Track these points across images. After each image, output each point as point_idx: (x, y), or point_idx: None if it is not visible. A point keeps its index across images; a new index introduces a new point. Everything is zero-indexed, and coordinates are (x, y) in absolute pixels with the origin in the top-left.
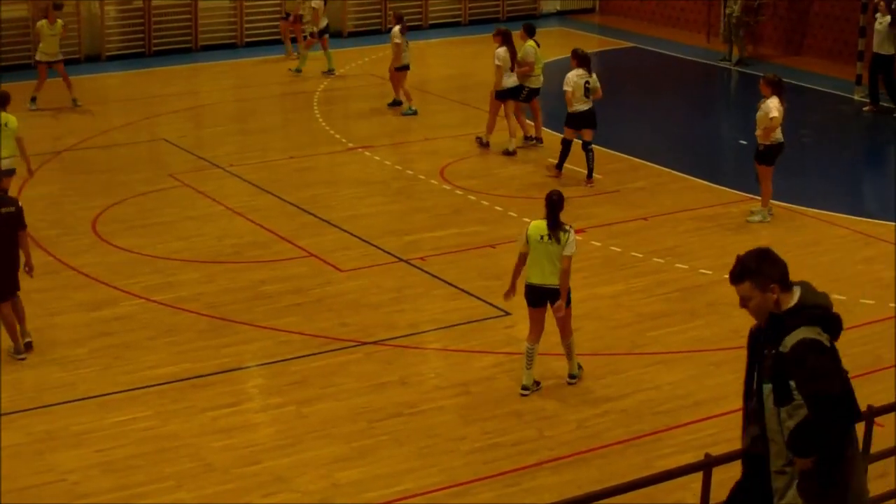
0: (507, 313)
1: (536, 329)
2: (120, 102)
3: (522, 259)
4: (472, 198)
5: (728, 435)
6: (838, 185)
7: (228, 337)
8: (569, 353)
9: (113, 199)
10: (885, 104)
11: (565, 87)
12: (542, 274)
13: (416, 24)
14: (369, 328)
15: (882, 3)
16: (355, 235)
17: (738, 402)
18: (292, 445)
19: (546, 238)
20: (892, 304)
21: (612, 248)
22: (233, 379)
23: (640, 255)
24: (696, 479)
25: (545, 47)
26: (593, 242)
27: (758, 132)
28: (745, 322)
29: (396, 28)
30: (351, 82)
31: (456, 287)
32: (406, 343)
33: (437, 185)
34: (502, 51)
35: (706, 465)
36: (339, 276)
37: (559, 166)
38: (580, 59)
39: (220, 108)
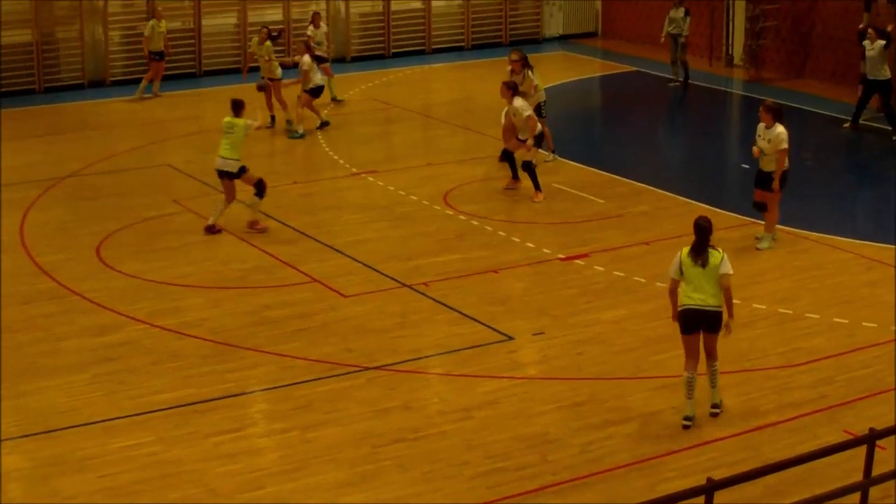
0: (510, 338)
1: (693, 356)
2: (125, 128)
3: (676, 285)
4: (476, 223)
5: (730, 459)
6: (841, 209)
7: (232, 362)
8: (713, 380)
9: (118, 225)
10: (864, 123)
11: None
12: (698, 297)
13: (420, 48)
14: (373, 353)
15: (872, 30)
16: (359, 261)
17: (742, 426)
18: (296, 470)
19: (699, 262)
20: (894, 328)
21: (616, 272)
22: (237, 404)
23: (644, 280)
24: (699, 502)
25: (549, 72)
26: (596, 267)
27: (768, 163)
28: (749, 346)
29: (305, 57)
30: (354, 107)
31: (459, 312)
32: (409, 368)
33: (441, 210)
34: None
35: (709, 489)
36: (343, 301)
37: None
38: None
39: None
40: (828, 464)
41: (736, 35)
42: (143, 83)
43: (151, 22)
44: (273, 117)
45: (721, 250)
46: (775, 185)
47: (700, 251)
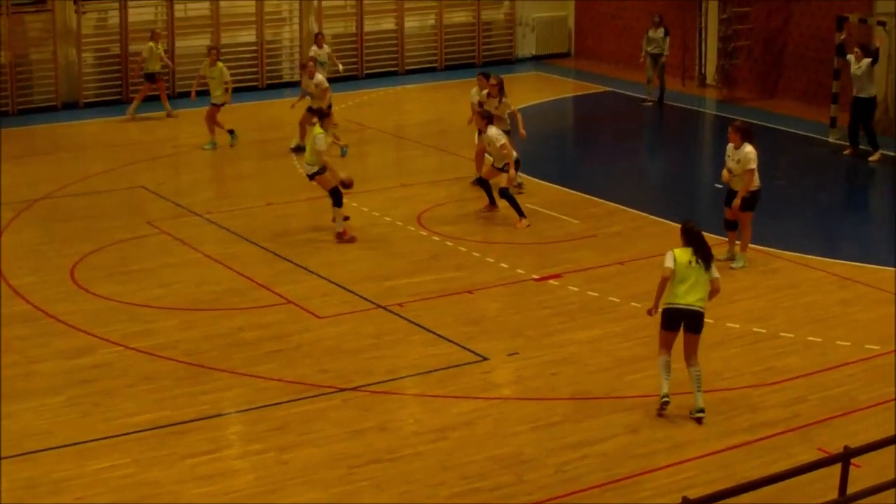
0: (485, 358)
1: (669, 347)
2: (98, 149)
3: (665, 281)
4: (450, 244)
5: (706, 478)
6: (813, 228)
7: (207, 384)
8: (697, 384)
9: (91, 247)
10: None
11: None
12: (691, 298)
13: (393, 69)
14: (348, 374)
15: (858, 48)
16: (333, 282)
17: (716, 445)
18: (272, 492)
19: (694, 262)
20: (868, 346)
21: (590, 292)
22: (212, 426)
23: (618, 300)
24: None
25: (522, 93)
26: (570, 287)
27: (740, 184)
28: (723, 365)
29: (320, 75)
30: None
31: (434, 333)
32: (384, 389)
33: (415, 231)
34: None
35: None
36: (318, 322)
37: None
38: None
39: (198, 155)
40: (803, 482)
41: (708, 55)
42: (136, 103)
43: (150, 44)
44: (231, 133)
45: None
46: (736, 202)
47: (705, 254)
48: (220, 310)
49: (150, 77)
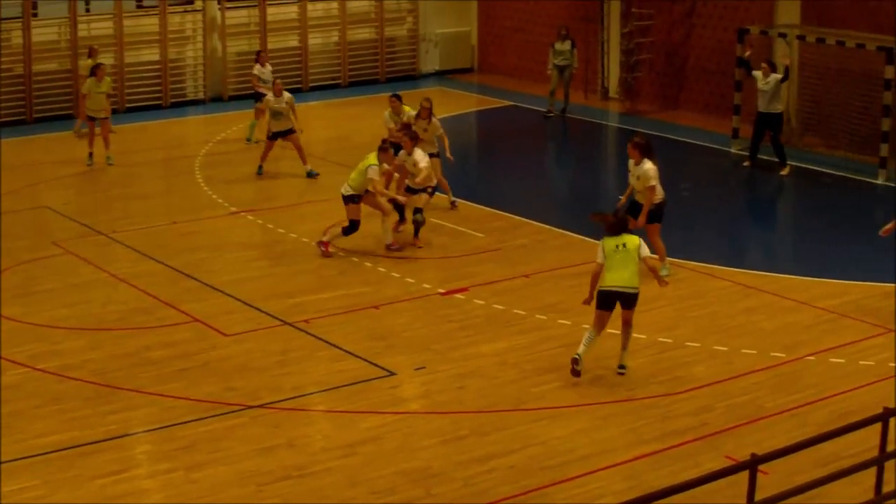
0: (392, 373)
1: (601, 327)
2: (1, 170)
3: (599, 269)
4: (356, 259)
5: (614, 488)
6: (717, 238)
7: (115, 403)
8: (626, 343)
9: None
10: (763, 157)
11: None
12: (619, 279)
13: (297, 86)
14: (255, 392)
15: (766, 65)
16: (239, 299)
17: (625, 455)
18: None
19: (621, 247)
20: (774, 354)
21: (496, 305)
22: (120, 446)
23: (524, 313)
24: None
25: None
26: (476, 301)
27: (643, 200)
28: (632, 375)
29: (287, 94)
30: (232, 146)
31: (340, 349)
32: (292, 406)
33: None
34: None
35: None
36: (224, 340)
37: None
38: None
39: (103, 175)
40: (711, 490)
41: (611, 68)
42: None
43: (89, 61)
44: (91, 154)
45: (636, 236)
46: (641, 220)
47: (619, 232)
48: (127, 329)
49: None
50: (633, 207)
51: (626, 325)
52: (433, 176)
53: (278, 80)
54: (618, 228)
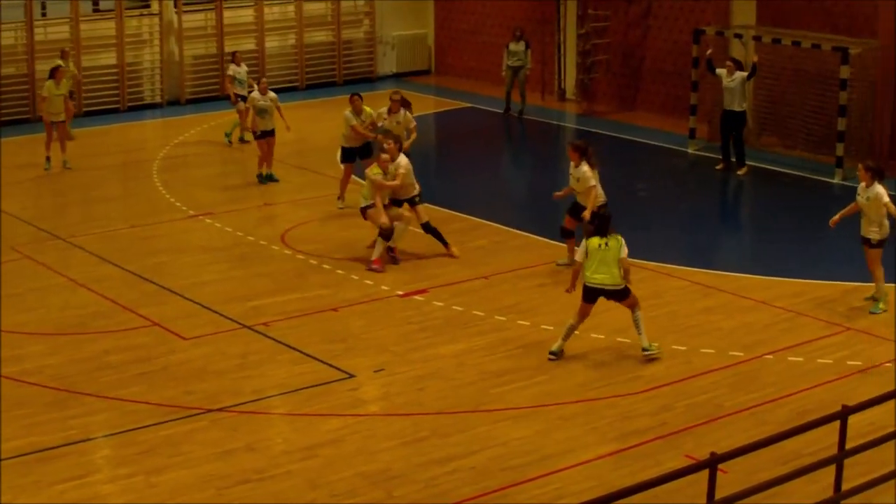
0: (351, 376)
1: (583, 318)
2: None
3: (580, 266)
4: (314, 262)
5: (575, 488)
6: (675, 238)
7: (74, 408)
8: (639, 328)
9: None
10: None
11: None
12: (601, 277)
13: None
14: (215, 395)
15: (730, 63)
16: (198, 303)
17: (586, 455)
18: None
19: (604, 245)
20: (732, 353)
21: (455, 307)
22: (80, 451)
23: (483, 314)
24: None
25: (382, 108)
26: (435, 302)
27: (584, 198)
28: (588, 377)
29: (271, 93)
30: (190, 149)
31: (300, 351)
32: (252, 409)
33: (279, 250)
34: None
35: None
36: (184, 344)
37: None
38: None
39: (61, 179)
40: (671, 489)
41: (568, 69)
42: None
43: (59, 62)
44: (48, 158)
45: (619, 236)
46: (585, 214)
47: (604, 234)
48: (86, 333)
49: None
50: (575, 209)
51: (632, 308)
52: (416, 184)
53: (264, 80)
54: (604, 229)
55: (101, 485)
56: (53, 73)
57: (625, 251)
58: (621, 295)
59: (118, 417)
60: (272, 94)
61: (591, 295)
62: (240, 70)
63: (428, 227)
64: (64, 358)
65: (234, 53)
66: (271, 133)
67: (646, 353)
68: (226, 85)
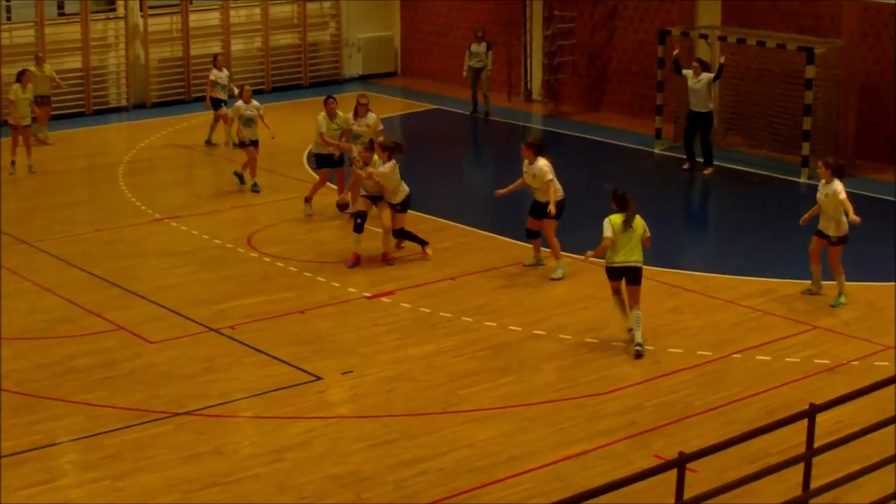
0: (319, 378)
1: (617, 292)
2: None
3: (610, 241)
4: (280, 264)
5: (543, 489)
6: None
7: (40, 413)
8: (637, 323)
9: None
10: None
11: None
12: (626, 256)
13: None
14: (181, 399)
15: (696, 63)
16: (164, 306)
17: (553, 456)
18: None
19: (628, 226)
20: (700, 353)
21: (422, 308)
22: (46, 456)
23: (450, 315)
24: None
25: (349, 111)
26: (402, 304)
27: (542, 195)
28: (558, 376)
29: (255, 101)
30: (155, 153)
31: (267, 354)
32: (219, 412)
33: (245, 252)
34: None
35: None
36: (150, 347)
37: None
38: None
39: (25, 183)
40: (640, 489)
41: (534, 70)
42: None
43: (32, 66)
44: (13, 162)
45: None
46: (551, 208)
47: (629, 218)
48: (52, 338)
49: (45, 99)
50: (535, 208)
51: (633, 304)
52: (400, 190)
53: (247, 86)
54: (625, 205)
55: (68, 489)
56: (20, 77)
57: (647, 231)
58: (638, 277)
59: (84, 422)
60: (256, 103)
61: (615, 275)
62: (221, 74)
63: (400, 233)
64: (29, 363)
65: (215, 57)
66: (256, 143)
67: (638, 347)
68: (209, 89)
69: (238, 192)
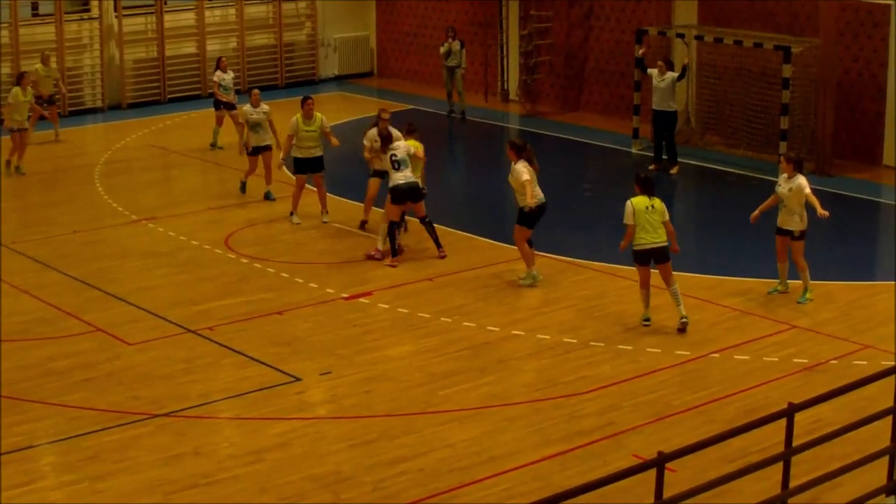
0: (298, 379)
1: (646, 280)
2: None
3: (632, 228)
4: (258, 265)
5: (523, 489)
6: (620, 238)
7: (19, 415)
8: (677, 300)
9: None
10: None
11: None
12: (650, 237)
13: (196, 93)
14: (161, 400)
15: (661, 63)
16: (142, 308)
17: (533, 456)
18: None
19: (651, 207)
20: (678, 352)
21: (400, 309)
22: (25, 458)
23: (428, 315)
24: None
25: (326, 112)
26: (381, 304)
27: (525, 199)
28: (536, 377)
29: (264, 106)
30: (132, 154)
31: (245, 355)
32: (198, 413)
33: (223, 253)
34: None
35: None
36: (128, 349)
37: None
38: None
39: (2, 185)
40: (619, 489)
41: (510, 70)
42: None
43: (37, 66)
44: (9, 162)
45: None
46: (530, 202)
47: (650, 193)
48: (30, 340)
49: (48, 100)
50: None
51: (668, 281)
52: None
53: (255, 91)
54: (650, 187)
55: (47, 491)
56: (20, 80)
57: (667, 214)
58: (666, 254)
59: (63, 423)
60: (265, 107)
61: (643, 258)
62: (225, 77)
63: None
64: (8, 364)
65: (219, 59)
66: (266, 148)
67: (684, 320)
68: (216, 91)
69: (213, 193)
